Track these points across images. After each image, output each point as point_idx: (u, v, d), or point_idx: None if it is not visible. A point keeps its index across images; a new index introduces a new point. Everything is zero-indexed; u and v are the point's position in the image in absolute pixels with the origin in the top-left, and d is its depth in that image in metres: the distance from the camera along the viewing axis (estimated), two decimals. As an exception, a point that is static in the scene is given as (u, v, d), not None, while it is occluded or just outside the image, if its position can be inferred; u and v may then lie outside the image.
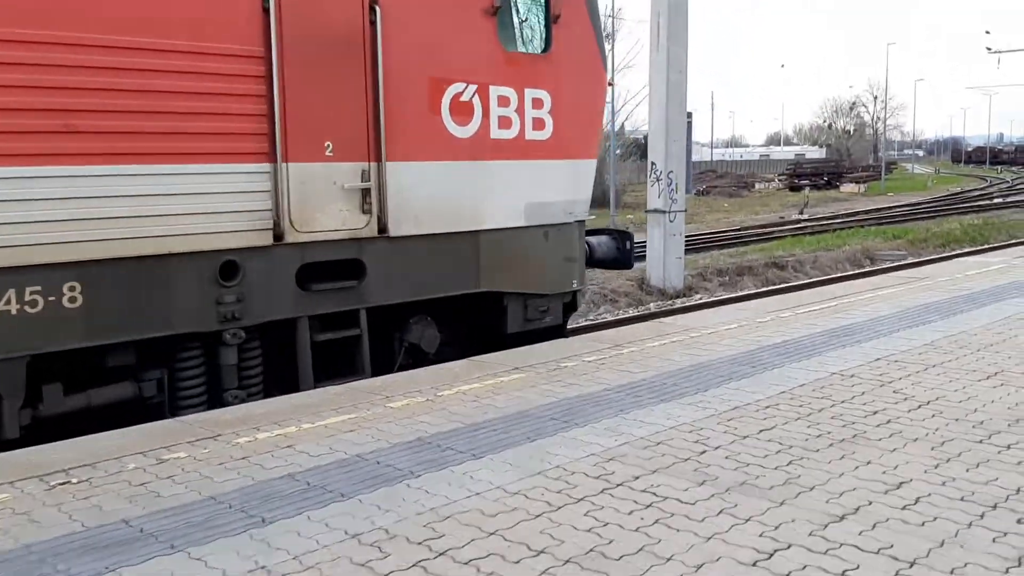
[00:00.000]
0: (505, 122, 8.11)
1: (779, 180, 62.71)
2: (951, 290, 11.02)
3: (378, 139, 7.17)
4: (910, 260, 22.06)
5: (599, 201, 40.64)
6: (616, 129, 41.79)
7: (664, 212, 19.31)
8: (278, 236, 6.69)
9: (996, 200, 45.75)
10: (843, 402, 6.11)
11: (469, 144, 7.86)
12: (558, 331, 9.12)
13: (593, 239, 10.05)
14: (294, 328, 6.97)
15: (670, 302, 17.83)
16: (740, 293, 17.09)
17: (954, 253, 22.66)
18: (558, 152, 8.59)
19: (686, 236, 28.66)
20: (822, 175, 60.58)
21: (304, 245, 6.89)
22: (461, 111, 7.77)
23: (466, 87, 7.79)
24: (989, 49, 67.91)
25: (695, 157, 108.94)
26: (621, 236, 10.13)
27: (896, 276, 12.95)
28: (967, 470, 4.72)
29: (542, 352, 7.87)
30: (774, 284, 20.69)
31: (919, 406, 5.96)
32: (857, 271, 20.14)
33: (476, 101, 7.88)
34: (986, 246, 24.76)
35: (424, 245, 7.64)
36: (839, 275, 18.56)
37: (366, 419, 5.90)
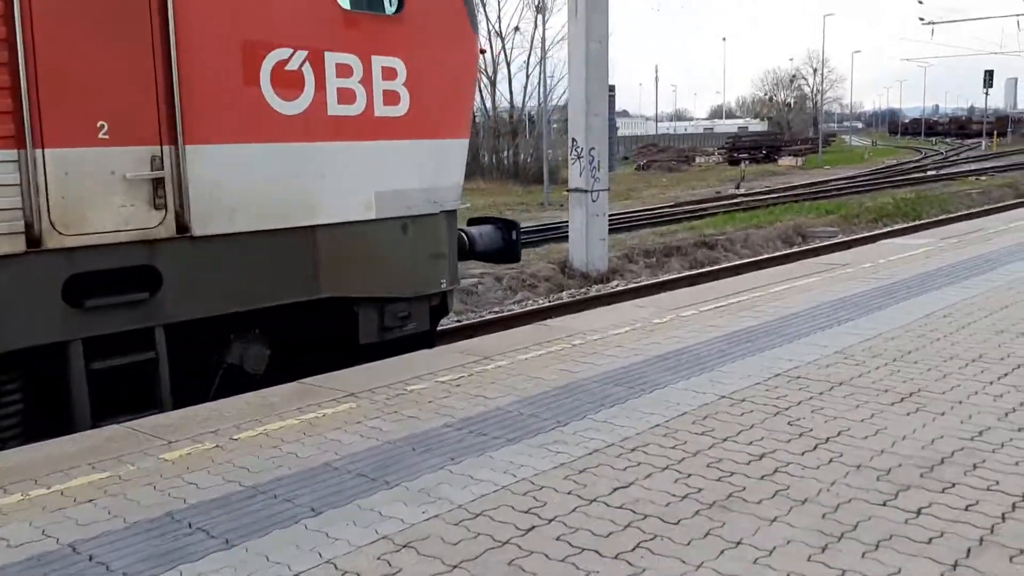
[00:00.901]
0: (347, 96, 6.75)
1: (718, 154, 61.84)
2: (872, 279, 9.90)
3: (172, 117, 5.77)
4: (835, 241, 21.08)
5: (535, 177, 39.42)
6: (552, 103, 40.52)
7: (586, 191, 18.08)
8: (33, 241, 5.28)
9: (930, 173, 45.26)
10: (726, 440, 4.89)
11: (300, 122, 6.49)
12: (426, 339, 7.83)
13: (474, 229, 8.75)
14: (65, 354, 5.57)
15: (593, 287, 16.62)
16: (658, 279, 15.93)
17: (881, 232, 21.71)
18: (417, 131, 7.24)
19: (615, 215, 27.54)
20: (761, 148, 59.79)
21: (72, 251, 5.48)
22: (287, 82, 6.39)
23: (293, 53, 6.40)
24: (922, 20, 67.54)
25: (639, 131, 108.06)
26: (507, 225, 8.84)
27: (817, 262, 11.82)
28: (863, 555, 3.51)
29: (391, 370, 6.56)
30: (703, 265, 19.64)
31: (815, 446, 4.76)
32: (778, 254, 19.08)
33: (307, 70, 6.50)
34: (916, 222, 23.92)
35: (242, 246, 6.27)
36: (758, 258, 17.49)
37: (120, 480, 4.56)
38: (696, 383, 5.98)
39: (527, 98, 40.62)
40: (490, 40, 42.86)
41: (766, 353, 6.72)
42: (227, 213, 6.13)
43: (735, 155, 56.91)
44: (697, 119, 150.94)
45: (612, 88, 27.70)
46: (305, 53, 6.47)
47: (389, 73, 7.00)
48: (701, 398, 5.65)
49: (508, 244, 8.77)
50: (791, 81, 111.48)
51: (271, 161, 6.34)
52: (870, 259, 11.53)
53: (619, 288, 14.67)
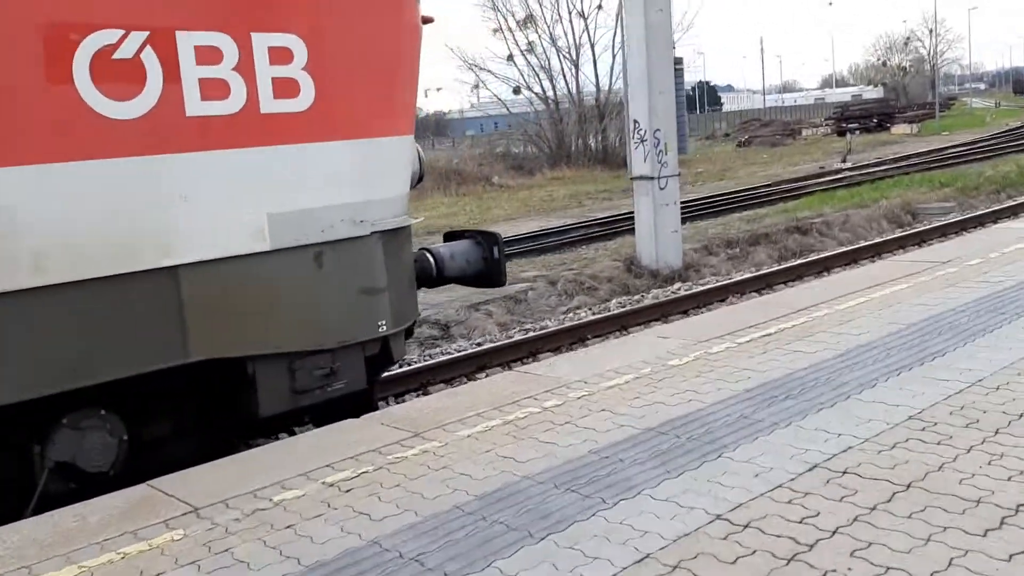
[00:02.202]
0: (215, 89, 4.96)
1: (826, 125, 57.88)
2: (979, 283, 7.57)
3: (-80, 135, 4.09)
4: (945, 222, 18.23)
5: (623, 162, 36.57)
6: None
7: (652, 178, 15.89)
8: None
9: (1062, 132, 40.88)
10: (692, 626, 2.90)
11: (142, 129, 4.72)
12: (364, 399, 6.01)
13: (444, 248, 6.88)
14: None
15: (649, 294, 14.49)
16: (727, 279, 13.64)
17: (1000, 208, 18.72)
18: (329, 129, 5.41)
19: (700, 199, 25.13)
20: (872, 117, 55.54)
21: None
22: (118, 76, 4.63)
23: (125, 36, 4.64)
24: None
25: (745, 105, 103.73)
26: (487, 240, 6.94)
27: (912, 260, 9.45)
28: None
29: (268, 463, 4.71)
30: (793, 253, 17.23)
31: (841, 649, 2.73)
32: (875, 242, 16.42)
33: (149, 58, 4.73)
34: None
35: (60, 301, 4.55)
36: (853, 247, 14.92)
37: None
38: (686, 488, 3.97)
39: (613, 80, 38.24)
40: (571, 22, 40.74)
41: (805, 423, 4.63)
42: (31, 260, 4.42)
43: (843, 125, 53.08)
44: (807, 89, 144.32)
45: (679, 61, 25.22)
46: (144, 35, 4.70)
47: (280, 55, 5.17)
48: (684, 522, 3.64)
49: (489, 264, 6.87)
50: (905, 44, 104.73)
51: (97, 183, 4.59)
52: (980, 251, 9.12)
53: (681, 293, 12.52)
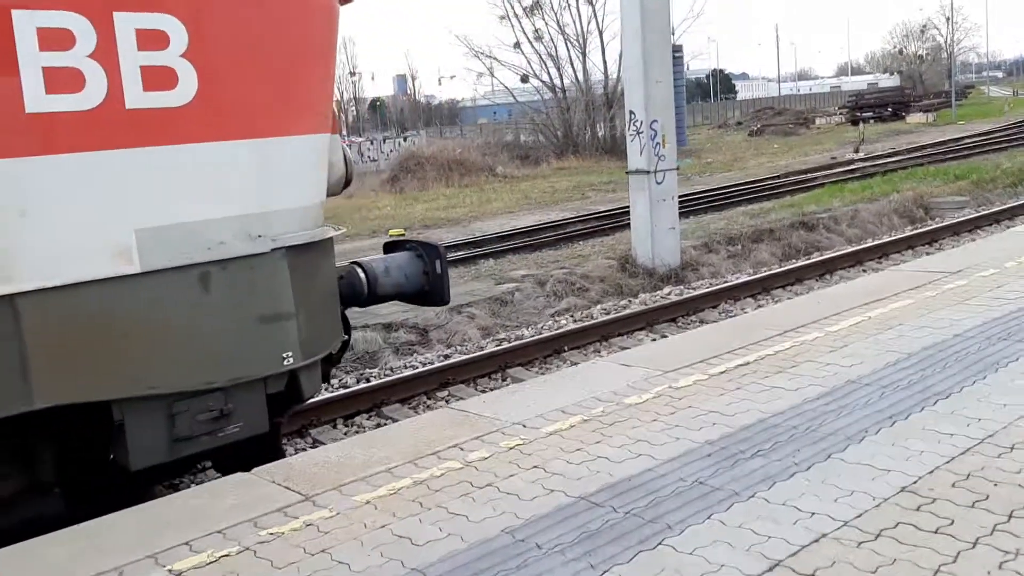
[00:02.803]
0: (66, 79, 4.07)
1: (840, 113, 56.46)
2: (991, 300, 6.61)
3: None
4: (956, 220, 17.16)
5: (612, 149, 35.15)
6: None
7: (648, 172, 14.93)
8: None
9: (1082, 122, 39.53)
10: None
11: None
12: (270, 444, 5.13)
13: (378, 262, 5.98)
14: None
15: (658, 293, 13.55)
16: (723, 284, 12.63)
17: (1014, 205, 17.60)
18: (217, 128, 4.51)
19: (705, 192, 24.08)
20: (886, 106, 54.09)
21: None
22: (-73, 66, 3.76)
23: (-67, 17, 3.76)
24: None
25: (760, 93, 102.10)
26: (428, 252, 6.03)
27: (919, 269, 8.48)
28: None
29: (101, 538, 3.83)
30: (797, 251, 16.28)
31: None
32: (881, 242, 15.35)
33: (-31, 44, 3.85)
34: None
35: None
36: (855, 248, 13.83)
37: None
38: (609, 591, 3.07)
39: (622, 68, 37.13)
40: (579, 8, 39.59)
41: (772, 494, 3.71)
42: None
43: (857, 115, 51.74)
44: (823, 78, 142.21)
45: (678, 49, 24.04)
46: (-37, 13, 3.82)
47: (153, 39, 4.28)
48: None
49: (431, 279, 5.97)
50: (922, 32, 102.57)
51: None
52: (994, 259, 8.14)
53: (671, 299, 11.56)
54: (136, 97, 4.24)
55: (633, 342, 9.66)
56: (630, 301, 11.83)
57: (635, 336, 9.83)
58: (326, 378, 5.82)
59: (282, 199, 4.73)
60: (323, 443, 7.32)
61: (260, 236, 4.66)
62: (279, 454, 5.15)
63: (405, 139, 47.38)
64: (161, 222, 4.35)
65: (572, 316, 11.27)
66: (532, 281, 14.22)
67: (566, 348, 9.30)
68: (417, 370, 8.80)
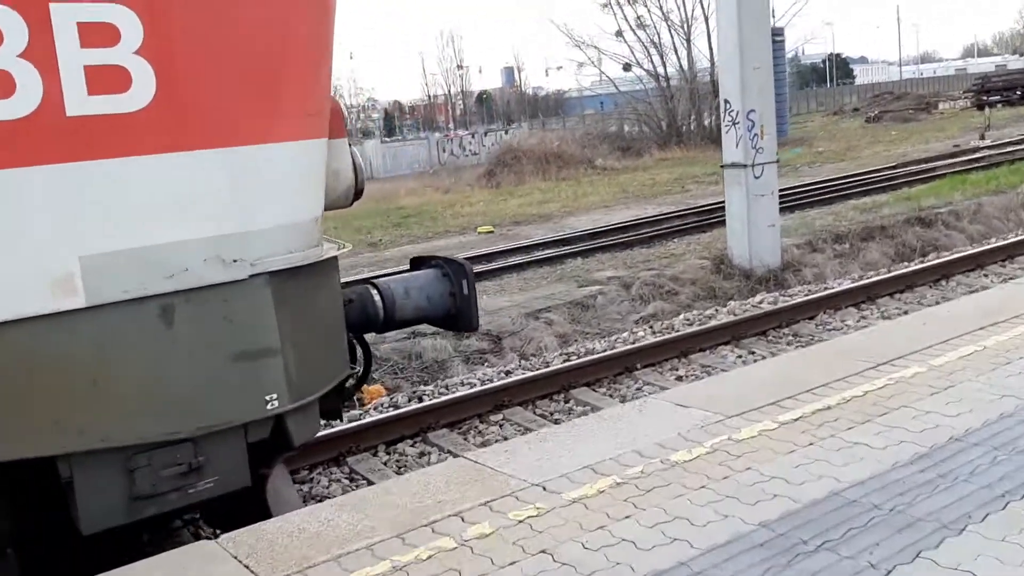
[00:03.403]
0: (-15, 83, 3.45)
1: (965, 97, 53.04)
2: None
3: None
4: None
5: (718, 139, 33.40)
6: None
7: (745, 166, 13.82)
8: None
9: None
10: None
11: None
12: (255, 500, 4.44)
13: (397, 282, 5.22)
14: None
15: (749, 301, 12.48)
16: (821, 293, 11.39)
17: None
18: (181, 135, 3.81)
19: (812, 185, 22.53)
20: (1015, 88, 50.49)
21: None
22: None
23: None
24: None
25: (880, 77, 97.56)
26: (455, 271, 5.25)
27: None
28: None
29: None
30: (912, 250, 14.89)
31: None
32: (996, 246, 13.75)
33: None
34: None
35: None
36: (979, 249, 12.30)
37: None
38: None
39: (716, 54, 35.58)
40: (685, -7, 38.09)
41: (837, 615, 2.80)
42: None
43: (983, 99, 48.47)
44: (947, 60, 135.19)
45: (779, 32, 22.32)
46: None
47: (99, 34, 3.62)
48: None
49: (457, 302, 5.19)
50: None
51: None
52: None
53: (763, 308, 10.46)
54: (79, 102, 3.59)
55: (715, 359, 8.68)
56: (716, 310, 10.80)
57: (719, 352, 8.84)
58: (337, 415, 5.11)
59: (264, 216, 4.02)
60: (360, 476, 6.65)
61: (236, 261, 3.96)
62: (265, 511, 4.45)
63: (506, 132, 46.78)
64: (111, 247, 3.69)
65: (651, 326, 10.32)
66: (617, 284, 13.33)
67: (639, 366, 8.40)
68: (470, 390, 8.04)
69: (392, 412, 7.54)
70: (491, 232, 20.46)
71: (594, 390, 8.06)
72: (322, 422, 5.14)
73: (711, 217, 18.53)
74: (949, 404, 4.48)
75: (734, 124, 13.92)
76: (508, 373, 8.77)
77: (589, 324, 12.09)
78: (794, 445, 4.16)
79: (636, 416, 4.80)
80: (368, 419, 7.44)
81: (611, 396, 7.92)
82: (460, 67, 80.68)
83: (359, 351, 5.35)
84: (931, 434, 4.13)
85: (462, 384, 8.56)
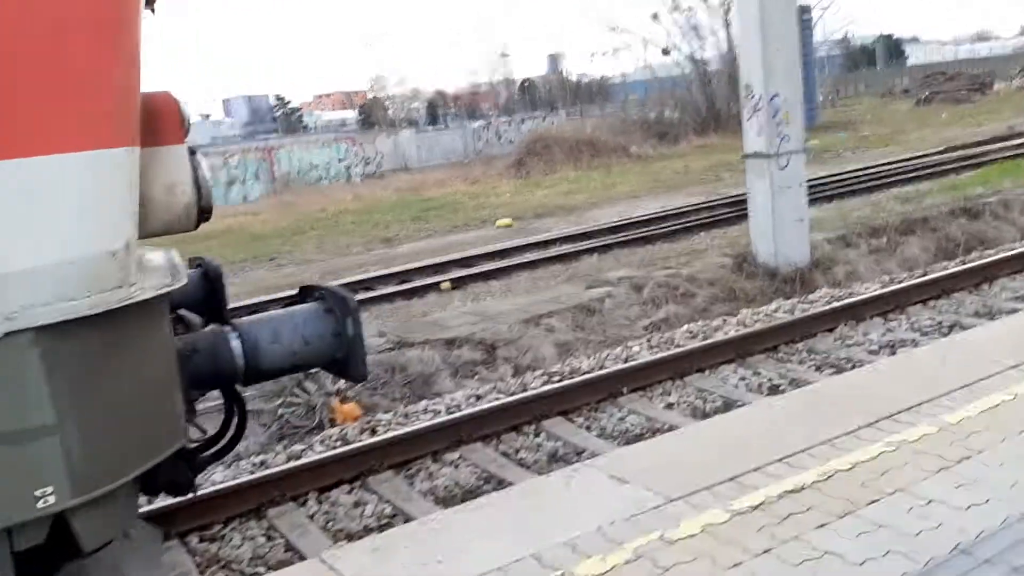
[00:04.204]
0: None
1: (1021, 77, 50.43)
2: None
3: None
4: None
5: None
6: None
7: (768, 156, 12.56)
8: None
9: None
10: None
11: None
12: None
13: (263, 324, 4.12)
14: None
15: (762, 309, 11.30)
16: (839, 302, 10.06)
17: None
18: None
19: (852, 172, 21.02)
20: (1077, 66, 47.90)
21: None
22: None
23: None
24: None
25: (934, 57, 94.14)
26: (339, 305, 4.17)
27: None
28: None
29: None
30: (956, 245, 13.56)
31: None
32: None
33: None
34: None
35: None
36: (1008, 255, 10.87)
37: None
38: None
39: (736, 34, 33.95)
40: (726, -30, 36.38)
41: None
42: None
43: (1042, 77, 46.01)
44: (1004, 38, 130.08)
45: (806, 10, 20.49)
46: None
47: None
48: None
49: (341, 344, 4.12)
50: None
51: None
52: None
53: (779, 318, 9.24)
54: None
55: (715, 382, 7.55)
56: (725, 320, 9.60)
57: (720, 372, 7.71)
58: (186, 488, 4.10)
59: (21, 253, 3.00)
60: (280, 534, 5.67)
61: (-17, 309, 2.96)
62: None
63: (544, 119, 45.59)
64: None
65: (650, 340, 9.18)
66: (628, 285, 12.19)
67: (625, 390, 7.30)
68: (427, 421, 7.01)
69: (325, 454, 6.54)
70: (510, 226, 19.42)
71: (571, 420, 6.99)
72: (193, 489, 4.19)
73: (741, 209, 17.24)
74: (961, 488, 3.35)
75: (756, 111, 12.65)
76: (479, 397, 7.72)
77: (593, 331, 11.00)
78: (743, 552, 3.07)
79: (558, 496, 3.72)
80: (302, 460, 6.45)
81: (588, 429, 6.85)
82: (504, 55, 79.58)
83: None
84: (930, 539, 3.01)
85: (424, 412, 7.55)
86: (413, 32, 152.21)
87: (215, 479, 6.67)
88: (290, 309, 4.17)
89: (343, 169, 37.72)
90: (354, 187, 33.05)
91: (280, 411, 8.92)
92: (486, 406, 7.18)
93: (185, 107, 3.64)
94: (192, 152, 3.72)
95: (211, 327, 4.00)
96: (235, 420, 4.28)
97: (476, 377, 9.70)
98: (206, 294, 4.62)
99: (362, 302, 13.33)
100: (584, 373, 7.96)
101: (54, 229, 3.06)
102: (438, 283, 13.91)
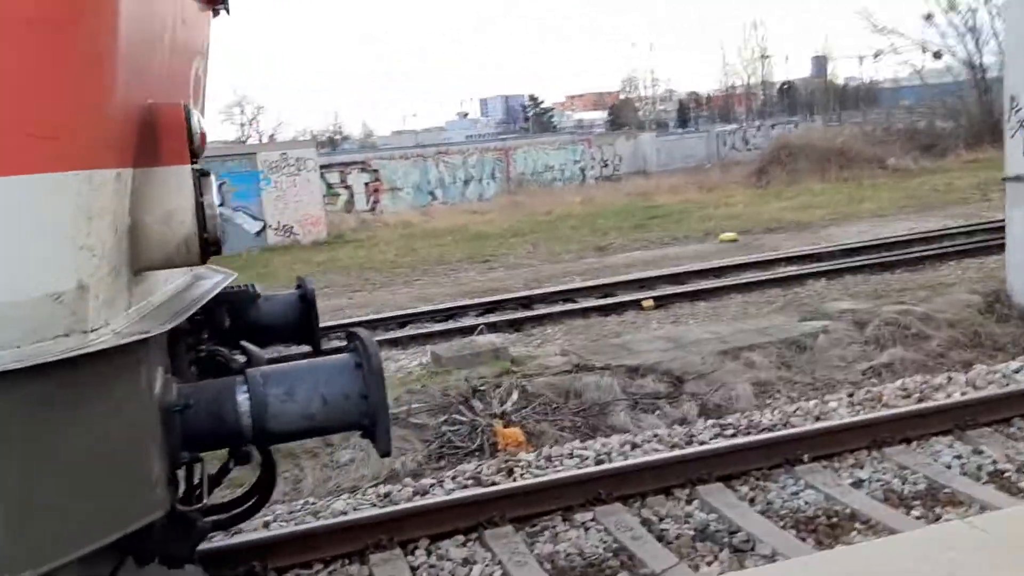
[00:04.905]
0: None
1: None
2: None
3: None
4: None
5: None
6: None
7: (1034, 181, 10.73)
8: None
9: None
10: None
11: None
12: None
13: (277, 377, 3.38)
14: None
15: (1011, 363, 9.56)
16: None
17: None
18: None
19: None
20: None
21: None
22: None
23: None
24: None
25: None
26: (366, 361, 3.40)
27: None
28: None
29: None
30: None
31: None
32: None
33: None
34: None
35: None
36: None
37: None
38: None
39: (1003, 39, 30.02)
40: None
41: None
42: None
43: None
44: None
45: None
46: None
47: None
48: None
49: (370, 408, 3.36)
50: None
51: None
52: None
53: (1020, 381, 7.61)
54: None
55: (921, 458, 6.20)
56: (949, 379, 8.04)
57: (930, 447, 6.34)
58: (186, 559, 3.52)
59: None
60: (376, 582, 5.11)
61: None
62: None
63: (797, 125, 43.08)
64: None
65: (851, 396, 7.83)
66: (850, 320, 10.77)
67: (805, 458, 6.14)
68: (564, 472, 6.20)
69: (442, 498, 5.91)
70: (734, 240, 18.13)
71: (733, 488, 5.95)
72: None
73: (1000, 236, 15.07)
74: None
75: (1021, 126, 10.83)
76: (607, 455, 6.76)
77: (801, 371, 9.75)
78: None
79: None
80: (413, 503, 5.87)
81: (751, 503, 5.78)
82: (764, 56, 76.35)
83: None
84: None
85: (569, 456, 6.74)
86: (674, 32, 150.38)
87: (336, 508, 6.26)
88: (314, 360, 3.50)
89: (578, 171, 37.43)
90: (586, 189, 32.64)
91: (443, 428, 8.49)
92: (635, 461, 6.27)
93: (197, 122, 3.08)
94: (203, 174, 3.15)
95: (222, 378, 3.43)
96: (263, 480, 3.71)
97: (656, 412, 8.83)
98: (301, 317, 4.18)
99: (559, 315, 12.75)
100: (762, 430, 6.85)
101: (17, 260, 2.57)
102: (640, 300, 13.05)
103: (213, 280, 3.92)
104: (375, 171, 32.99)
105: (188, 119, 3.05)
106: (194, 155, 3.09)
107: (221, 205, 3.39)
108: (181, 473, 3.39)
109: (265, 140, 66.11)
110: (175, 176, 3.07)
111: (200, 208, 3.09)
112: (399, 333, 12.23)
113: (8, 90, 2.50)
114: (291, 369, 3.37)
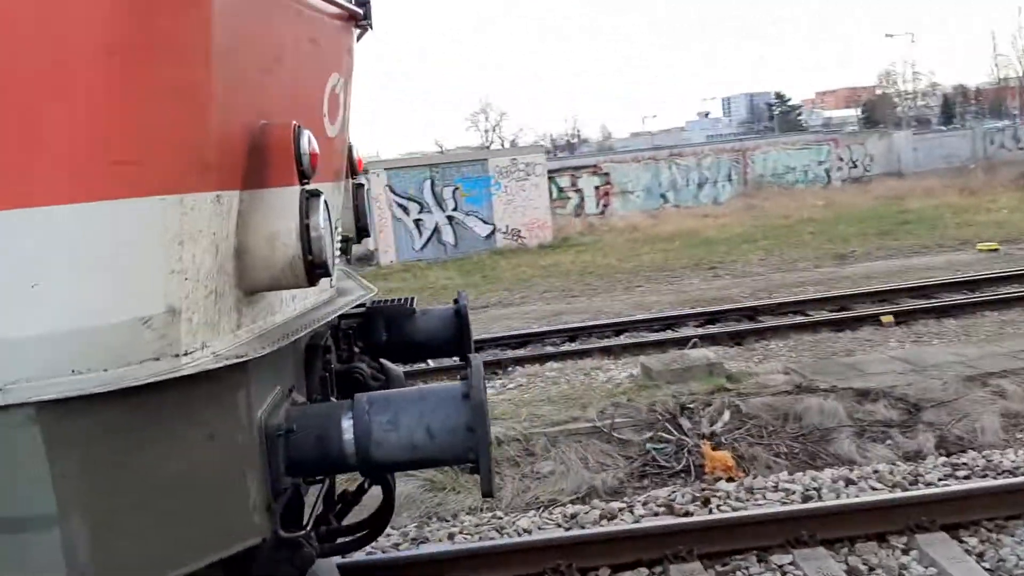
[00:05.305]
0: None
1: None
2: None
3: None
4: None
5: None
6: None
7: None
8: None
9: None
10: None
11: None
12: None
13: (382, 403, 3.12)
14: None
15: None
16: None
17: None
18: None
19: None
20: None
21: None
22: None
23: None
24: None
25: None
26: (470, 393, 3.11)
27: None
28: None
29: None
30: None
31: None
32: None
33: None
34: None
35: None
36: None
37: None
38: None
39: None
40: None
41: None
42: None
43: None
44: None
45: None
46: None
47: None
48: None
49: (477, 442, 3.06)
50: None
51: None
52: None
53: None
54: None
55: None
56: None
57: None
58: None
59: (24, 319, 2.51)
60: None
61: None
62: None
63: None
64: None
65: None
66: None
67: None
68: (766, 508, 5.69)
69: (628, 526, 5.58)
70: (995, 250, 16.41)
71: (960, 540, 5.22)
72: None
73: None
74: None
75: None
76: (707, 501, 6.11)
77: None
78: None
79: None
80: (598, 528, 5.59)
81: (980, 557, 5.04)
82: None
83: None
84: None
85: (774, 489, 6.21)
86: (938, 22, 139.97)
87: (521, 525, 6.12)
88: (423, 388, 3.31)
89: (822, 172, 35.56)
90: (830, 192, 30.92)
91: (648, 446, 8.19)
92: (847, 501, 5.67)
93: (307, 142, 2.99)
94: (313, 195, 3.04)
95: (330, 402, 3.33)
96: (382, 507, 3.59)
97: (887, 443, 8.08)
98: (455, 332, 4.13)
99: (786, 328, 12.02)
100: (1002, 472, 6.01)
101: (47, 294, 2.55)
102: (879, 315, 12.07)
103: (346, 299, 3.87)
104: (606, 174, 32.99)
105: (297, 140, 2.96)
106: (304, 176, 3.01)
107: (358, 223, 3.29)
108: (309, 499, 3.32)
109: (507, 146, 67.91)
110: (280, 198, 2.99)
111: (306, 230, 3.00)
112: (612, 341, 12.00)
113: (91, 117, 2.49)
114: (398, 396, 3.21)
